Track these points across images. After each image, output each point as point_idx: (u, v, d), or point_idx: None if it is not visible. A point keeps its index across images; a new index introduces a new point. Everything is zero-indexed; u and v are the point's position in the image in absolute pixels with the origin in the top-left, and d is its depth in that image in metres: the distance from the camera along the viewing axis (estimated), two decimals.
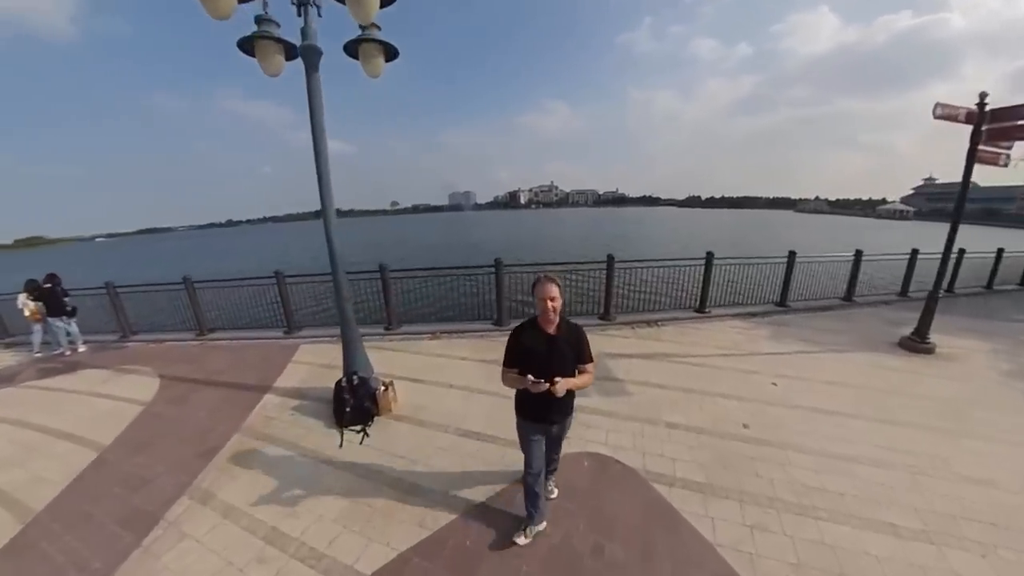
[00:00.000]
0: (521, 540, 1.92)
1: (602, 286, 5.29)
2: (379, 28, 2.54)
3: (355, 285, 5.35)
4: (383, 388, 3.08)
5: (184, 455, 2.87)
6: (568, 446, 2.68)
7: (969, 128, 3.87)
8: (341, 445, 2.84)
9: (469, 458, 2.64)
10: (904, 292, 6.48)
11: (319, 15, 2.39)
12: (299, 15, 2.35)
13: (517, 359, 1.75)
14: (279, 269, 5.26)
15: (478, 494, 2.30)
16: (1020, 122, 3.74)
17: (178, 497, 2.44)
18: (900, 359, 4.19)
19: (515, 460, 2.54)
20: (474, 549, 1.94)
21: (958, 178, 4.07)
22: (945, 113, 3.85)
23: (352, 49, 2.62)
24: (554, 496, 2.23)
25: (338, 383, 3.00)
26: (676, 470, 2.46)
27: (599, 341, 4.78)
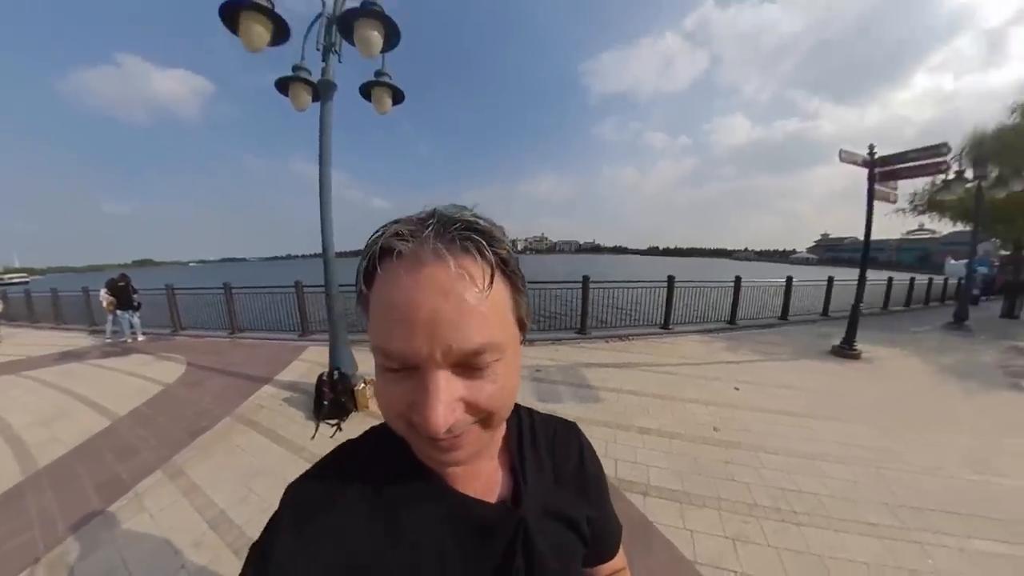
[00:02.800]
0: None
1: (579, 305, 5.50)
2: (389, 76, 2.85)
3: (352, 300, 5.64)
4: (362, 385, 2.99)
5: (176, 432, 2.88)
6: None
7: (862, 193, 4.43)
8: (314, 437, 2.72)
9: None
10: (825, 312, 7.25)
11: (339, 61, 2.74)
12: (323, 60, 2.70)
13: None
14: (299, 280, 5.60)
15: None
16: (900, 165, 4.36)
17: (154, 470, 2.40)
18: (835, 364, 4.51)
19: None
20: None
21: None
22: (847, 158, 4.38)
23: (366, 92, 2.94)
24: None
25: (319, 377, 2.95)
26: (650, 477, 2.13)
27: (576, 353, 4.79)
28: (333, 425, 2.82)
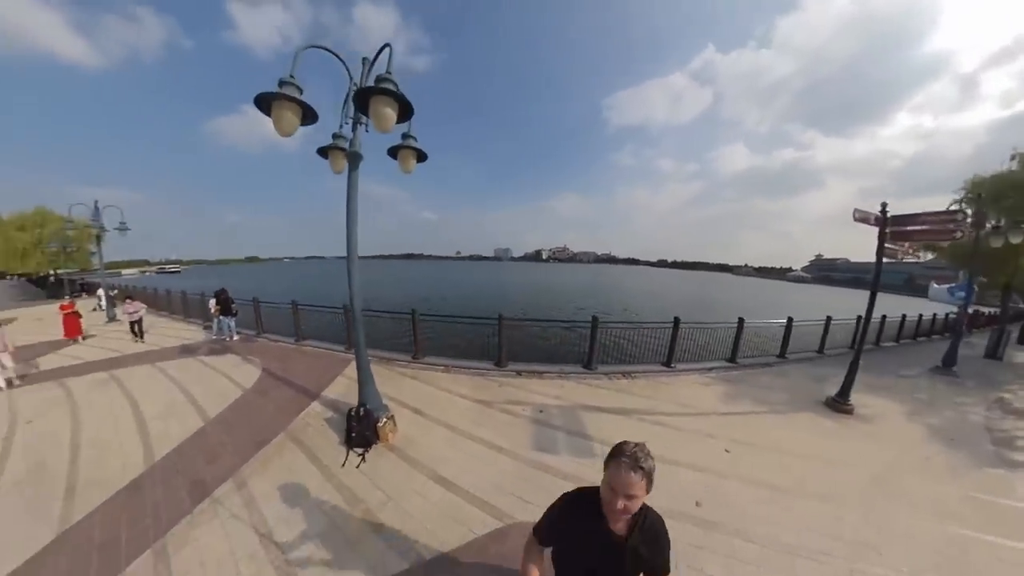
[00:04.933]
0: None
1: (587, 340, 5.47)
2: (415, 138, 2.95)
3: (397, 322, 6.08)
4: (383, 421, 3.26)
5: (247, 440, 3.44)
6: None
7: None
8: (344, 464, 3.05)
9: (433, 507, 2.58)
10: (821, 350, 7.24)
11: (366, 130, 2.92)
12: (352, 131, 2.91)
13: (553, 537, 1.19)
14: (345, 303, 6.20)
15: (426, 549, 2.20)
16: (913, 227, 4.09)
17: (228, 477, 2.88)
18: (829, 421, 4.26)
19: (468, 517, 2.45)
20: None
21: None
22: (860, 217, 4.15)
23: (393, 153, 3.10)
24: None
25: (349, 412, 3.29)
26: None
27: (580, 391, 4.72)
28: (359, 455, 3.13)
